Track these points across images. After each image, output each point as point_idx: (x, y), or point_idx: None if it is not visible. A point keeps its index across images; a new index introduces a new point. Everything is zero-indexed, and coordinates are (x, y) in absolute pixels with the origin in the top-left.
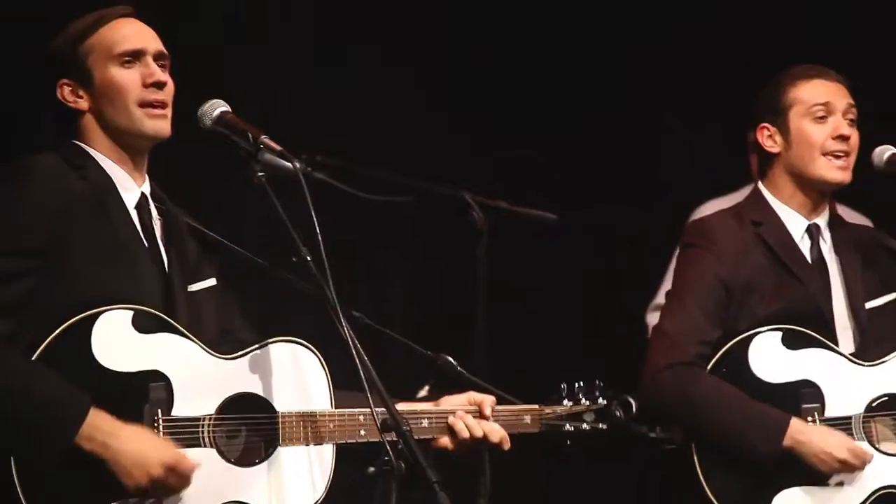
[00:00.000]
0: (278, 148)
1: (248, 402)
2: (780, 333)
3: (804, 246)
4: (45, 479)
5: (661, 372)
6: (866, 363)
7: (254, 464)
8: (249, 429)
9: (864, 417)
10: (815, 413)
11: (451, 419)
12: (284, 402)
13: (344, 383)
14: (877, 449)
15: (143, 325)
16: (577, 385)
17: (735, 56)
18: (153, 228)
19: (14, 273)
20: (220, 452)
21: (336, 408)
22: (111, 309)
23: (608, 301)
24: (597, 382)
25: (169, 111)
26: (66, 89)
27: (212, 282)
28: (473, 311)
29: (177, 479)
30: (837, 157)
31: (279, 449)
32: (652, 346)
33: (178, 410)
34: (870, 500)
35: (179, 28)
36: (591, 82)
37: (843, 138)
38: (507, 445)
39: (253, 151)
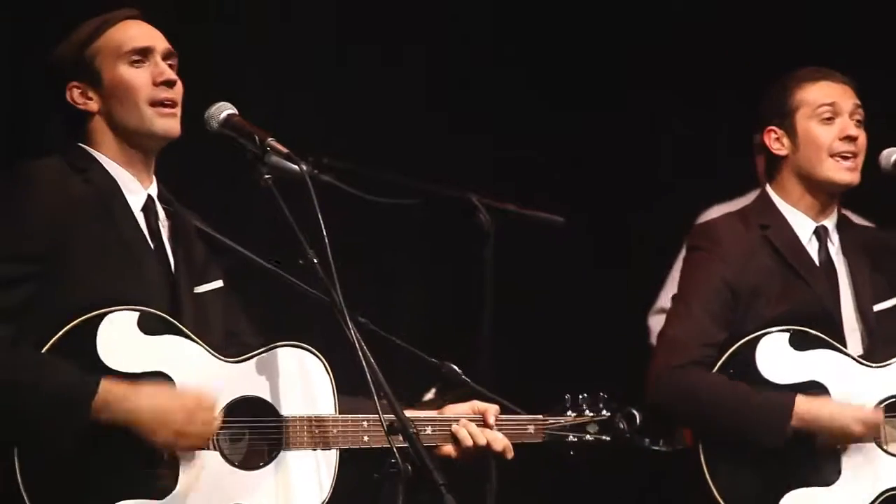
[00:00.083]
0: (285, 150)
1: (252, 406)
2: (787, 334)
3: (812, 248)
4: (48, 480)
5: (665, 374)
6: (874, 365)
7: (258, 467)
8: (253, 432)
9: None
10: None
11: (454, 427)
12: (289, 407)
13: (348, 389)
14: (884, 450)
15: (149, 326)
16: (581, 396)
17: (735, 56)
18: (159, 230)
19: (13, 278)
20: (224, 455)
21: (340, 413)
22: (117, 310)
23: (611, 304)
24: (601, 394)
25: (178, 110)
26: (76, 91)
27: (218, 283)
28: (479, 315)
29: (203, 422)
30: (845, 158)
31: (283, 453)
32: (657, 349)
33: None
34: (877, 502)
35: (184, 30)
36: (591, 82)
37: (851, 139)
38: (510, 455)
39: (260, 154)
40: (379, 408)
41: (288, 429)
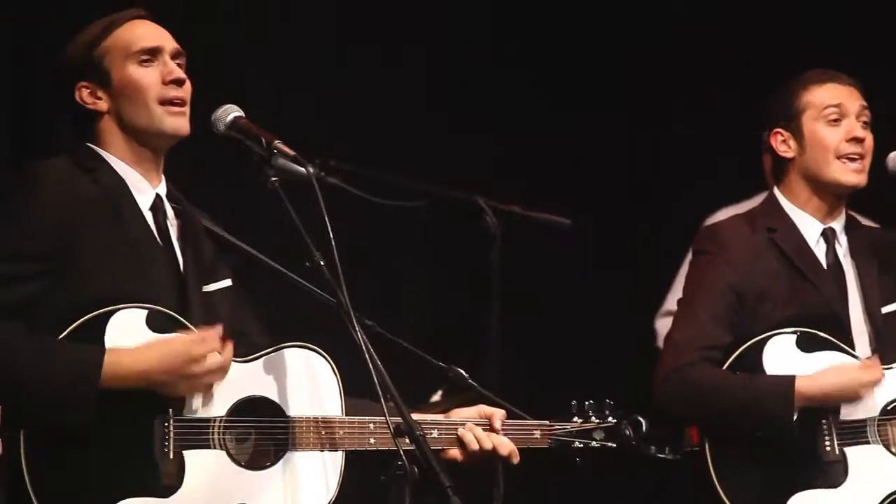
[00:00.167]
0: (292, 153)
1: (259, 406)
2: (795, 336)
3: (819, 250)
4: (55, 477)
5: (669, 377)
6: (882, 367)
7: (264, 467)
8: (259, 432)
9: (879, 420)
10: (830, 416)
11: (460, 431)
12: (296, 408)
13: (355, 392)
14: (892, 452)
15: (158, 324)
16: (587, 402)
17: (735, 56)
18: (168, 229)
19: (19, 277)
20: (230, 455)
21: (347, 416)
22: (126, 307)
23: (617, 307)
24: (607, 401)
25: (187, 109)
26: (85, 91)
27: (227, 282)
28: (485, 317)
29: (218, 363)
30: (852, 159)
31: (289, 453)
32: (662, 353)
33: (189, 411)
34: None
35: (191, 30)
36: (591, 82)
37: (858, 140)
38: (515, 459)
39: (266, 156)
40: (385, 410)
41: (294, 429)
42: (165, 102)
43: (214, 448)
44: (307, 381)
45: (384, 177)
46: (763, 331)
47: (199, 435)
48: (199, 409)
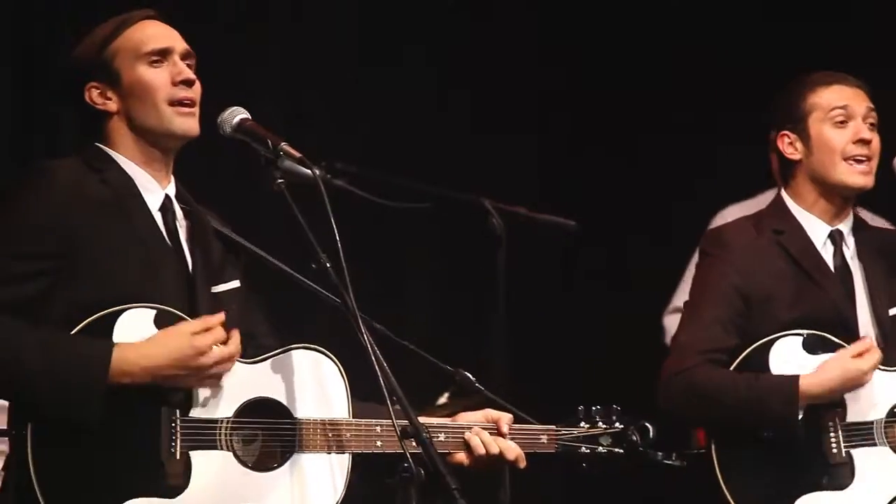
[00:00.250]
0: (298, 155)
1: (266, 408)
2: (801, 338)
3: (826, 253)
4: (62, 477)
5: (673, 379)
6: (889, 369)
7: (271, 469)
8: (266, 434)
9: (886, 422)
10: (837, 418)
11: (467, 435)
12: (303, 409)
13: (362, 394)
14: None
15: (166, 324)
16: (594, 408)
17: (737, 56)
18: (177, 230)
19: (23, 274)
20: (237, 456)
21: (354, 418)
22: (134, 307)
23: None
24: (614, 406)
25: (197, 110)
26: (95, 92)
27: (235, 283)
28: (492, 319)
29: (225, 353)
30: (859, 161)
31: (296, 455)
32: (668, 357)
33: (196, 412)
34: None
35: (198, 31)
36: (591, 82)
37: (864, 142)
38: (522, 464)
39: (273, 158)
40: (392, 413)
41: (301, 431)
42: (175, 103)
43: (221, 449)
44: (314, 383)
45: (391, 179)
46: (769, 333)
47: (206, 436)
48: (207, 409)
